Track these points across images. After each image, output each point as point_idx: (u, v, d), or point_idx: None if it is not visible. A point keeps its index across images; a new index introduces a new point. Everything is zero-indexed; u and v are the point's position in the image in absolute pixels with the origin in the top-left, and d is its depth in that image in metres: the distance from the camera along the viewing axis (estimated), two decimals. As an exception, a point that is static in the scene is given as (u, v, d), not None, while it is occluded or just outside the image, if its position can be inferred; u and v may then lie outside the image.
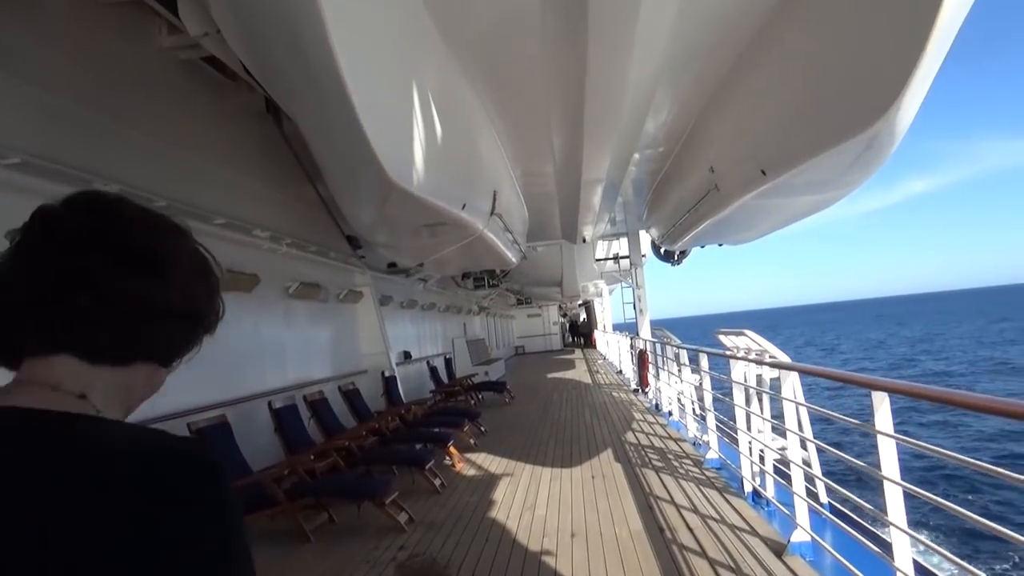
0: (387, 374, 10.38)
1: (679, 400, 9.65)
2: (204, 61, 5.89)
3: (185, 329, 0.82)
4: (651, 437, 8.94)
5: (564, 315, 45.24)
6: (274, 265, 8.28)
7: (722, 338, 6.30)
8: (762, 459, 5.84)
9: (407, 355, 14.56)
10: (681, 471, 6.88)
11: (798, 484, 4.47)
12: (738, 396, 5.89)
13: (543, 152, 7.10)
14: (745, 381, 5.79)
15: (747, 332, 5.35)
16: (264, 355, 7.92)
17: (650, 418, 10.61)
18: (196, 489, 0.67)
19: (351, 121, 3.38)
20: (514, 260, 9.89)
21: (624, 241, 15.29)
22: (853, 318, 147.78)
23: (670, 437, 8.81)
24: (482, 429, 10.29)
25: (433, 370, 14.48)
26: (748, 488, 5.71)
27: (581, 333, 42.24)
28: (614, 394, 14.37)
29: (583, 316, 43.87)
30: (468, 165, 5.18)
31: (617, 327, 29.64)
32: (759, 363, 5.22)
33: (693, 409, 8.45)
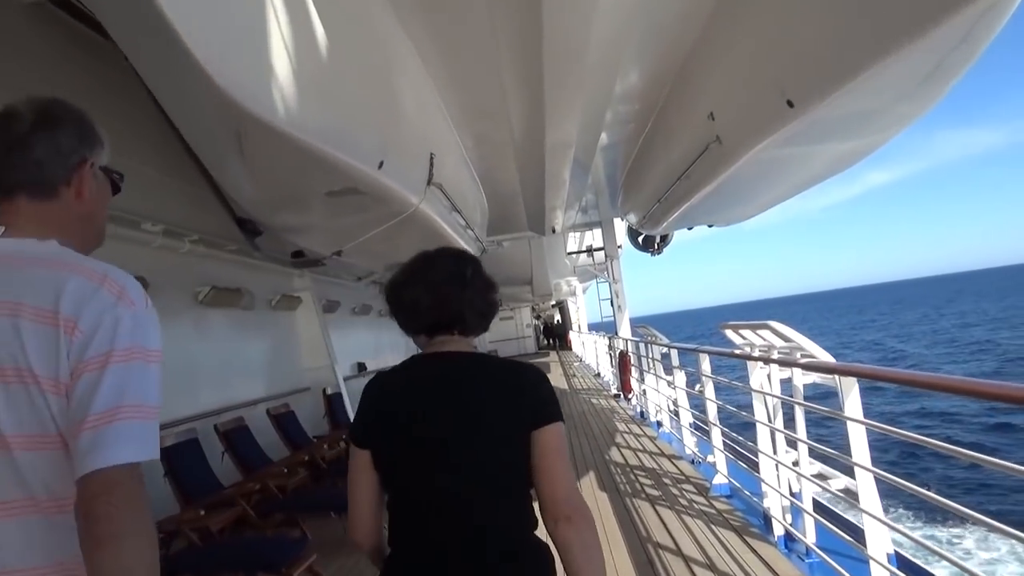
0: (330, 391, 8.87)
1: (670, 409, 8.28)
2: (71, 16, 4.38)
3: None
4: (640, 455, 7.55)
5: (538, 317, 43.90)
6: (176, 267, 6.76)
7: (730, 334, 4.92)
8: (793, 490, 4.48)
9: (361, 367, 13.04)
10: (683, 502, 5.50)
11: (874, 535, 3.11)
12: (759, 409, 4.53)
13: (495, 112, 5.69)
14: (769, 389, 4.42)
15: (773, 324, 3.99)
16: (164, 377, 6.36)
17: (636, 429, 9.23)
18: (536, 372, 1.52)
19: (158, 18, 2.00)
20: (470, 249, 8.44)
21: (598, 232, 13.95)
22: (824, 308, 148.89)
23: (662, 453, 7.44)
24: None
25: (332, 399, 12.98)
26: (778, 530, 4.33)
27: (556, 335, 40.88)
28: (593, 401, 12.99)
29: (557, 317, 42.55)
30: (386, 111, 3.76)
31: (593, 327, 28.34)
32: (794, 366, 3.85)
33: (691, 422, 7.08)
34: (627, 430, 9.27)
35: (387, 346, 16.02)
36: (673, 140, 5.96)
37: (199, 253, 6.85)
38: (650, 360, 9.06)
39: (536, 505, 1.44)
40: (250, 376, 8.26)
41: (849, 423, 3.36)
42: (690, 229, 9.75)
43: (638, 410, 10.59)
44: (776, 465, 4.39)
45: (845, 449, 3.56)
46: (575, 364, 24.27)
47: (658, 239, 11.69)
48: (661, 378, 8.46)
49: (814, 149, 4.46)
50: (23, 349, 1.02)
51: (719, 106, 4.60)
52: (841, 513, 4.24)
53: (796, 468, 4.11)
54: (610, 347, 13.84)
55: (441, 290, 1.53)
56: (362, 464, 1.48)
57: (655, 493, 5.87)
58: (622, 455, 7.64)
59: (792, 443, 4.36)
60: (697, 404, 7.26)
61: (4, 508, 1.02)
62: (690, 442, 6.94)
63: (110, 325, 1.06)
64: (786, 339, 4.04)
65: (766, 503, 4.70)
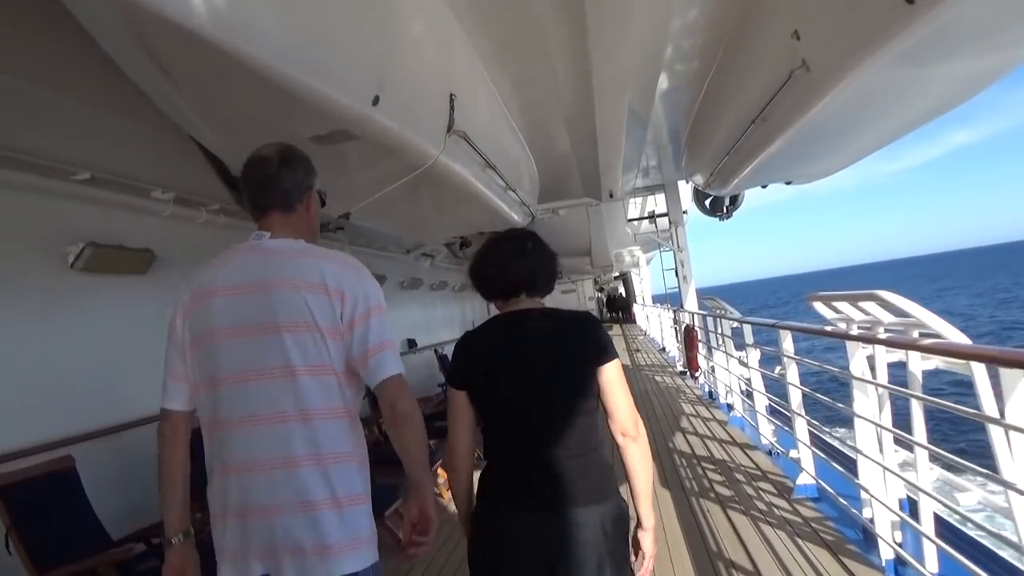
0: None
1: (742, 390, 7.36)
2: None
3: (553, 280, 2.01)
4: (708, 442, 6.69)
5: (601, 289, 42.84)
6: (190, 238, 6.21)
7: (820, 307, 4.02)
8: (910, 506, 3.60)
9: (412, 344, 12.52)
10: (760, 505, 4.65)
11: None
12: (861, 400, 3.63)
13: (532, 50, 4.87)
14: (872, 374, 3.52)
15: (882, 294, 3.08)
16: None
17: (703, 411, 8.34)
18: (593, 320, 1.91)
19: None
20: (516, 217, 7.66)
21: (660, 198, 12.90)
22: (900, 277, 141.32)
23: (734, 442, 6.55)
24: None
25: (443, 359, 12.39)
26: (885, 551, 3.45)
27: (619, 307, 39.78)
28: (657, 378, 12.11)
29: (621, 290, 41.37)
30: (380, 29, 2.97)
31: (657, 299, 27.22)
32: (915, 348, 2.94)
33: (768, 405, 6.16)
34: (693, 412, 8.39)
35: (440, 321, 15.48)
36: (746, 75, 4.97)
37: (219, 224, 6.28)
38: (719, 335, 8.12)
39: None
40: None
41: (998, 427, 2.46)
42: (764, 187, 8.67)
43: (706, 390, 9.67)
44: (884, 471, 3.49)
45: (981, 454, 2.67)
46: (639, 338, 23.29)
47: (727, 201, 10.61)
48: (732, 356, 7.53)
49: (933, 71, 3.46)
50: (309, 310, 1.61)
51: (806, 21, 3.62)
52: (978, 539, 3.33)
53: (907, 475, 3.21)
54: (675, 321, 12.89)
55: (507, 264, 1.95)
56: (461, 403, 1.88)
57: (726, 492, 5.02)
58: (688, 442, 6.80)
59: (904, 443, 3.45)
60: (775, 387, 6.33)
61: (285, 416, 1.59)
62: (767, 431, 6.03)
63: (362, 293, 1.67)
64: (900, 312, 3.13)
65: (867, 514, 3.82)
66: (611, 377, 1.87)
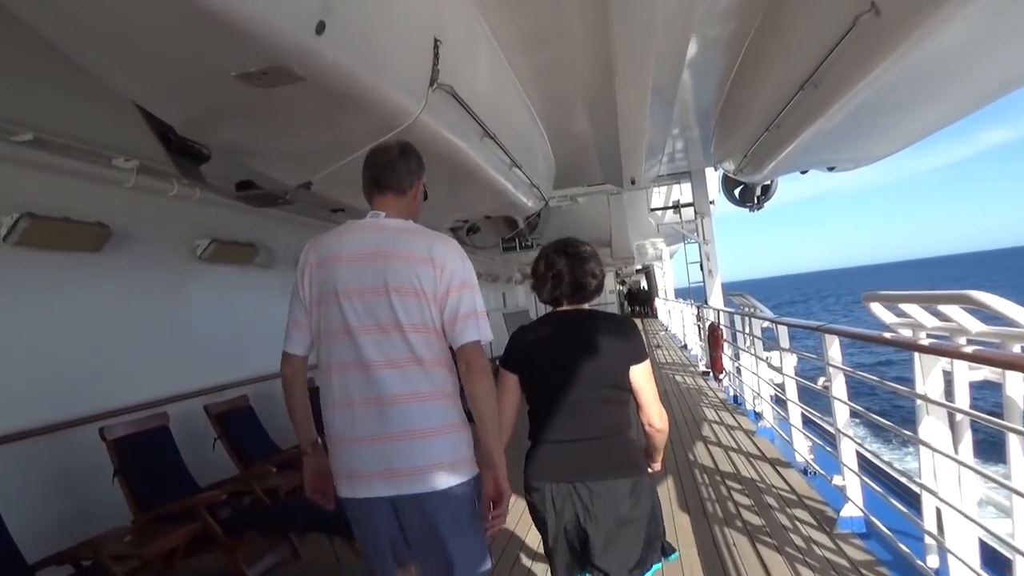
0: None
1: (773, 398, 6.62)
2: None
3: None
4: (733, 456, 5.97)
5: (623, 282, 42.00)
6: (164, 215, 5.62)
7: (877, 309, 3.29)
8: (987, 550, 2.87)
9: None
10: (798, 539, 3.93)
11: None
12: (933, 427, 2.91)
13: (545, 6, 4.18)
14: (952, 398, 2.79)
15: (977, 295, 2.36)
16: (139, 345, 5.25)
17: (728, 418, 7.61)
18: (630, 323, 2.28)
19: None
20: (526, 201, 6.96)
21: (686, 187, 12.09)
22: (928, 276, 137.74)
23: (763, 456, 5.83)
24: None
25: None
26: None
27: (641, 301, 38.91)
28: (678, 377, 11.38)
29: (643, 283, 40.46)
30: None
31: (680, 293, 26.39)
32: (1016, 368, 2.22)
33: (803, 419, 5.43)
34: (716, 419, 7.67)
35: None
36: (796, 30, 4.18)
37: (194, 199, 5.67)
38: (748, 336, 7.37)
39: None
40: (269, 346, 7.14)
41: None
42: (804, 173, 7.87)
43: (730, 393, 8.93)
44: (959, 515, 2.77)
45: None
46: (660, 334, 22.51)
47: (759, 191, 9.80)
48: (761, 359, 6.78)
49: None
50: (418, 278, 1.94)
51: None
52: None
53: (993, 523, 2.49)
54: (698, 317, 12.12)
55: (559, 273, 2.24)
56: (511, 383, 2.26)
57: (755, 520, 4.32)
58: (710, 455, 6.09)
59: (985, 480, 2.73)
60: (812, 397, 5.60)
61: (397, 363, 1.93)
62: (802, 447, 5.30)
63: (460, 267, 2.00)
64: (997, 319, 2.40)
65: (932, 562, 3.12)
66: (641, 377, 2.19)
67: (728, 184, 10.23)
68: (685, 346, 16.55)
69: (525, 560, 4.01)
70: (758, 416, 7.10)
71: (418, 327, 1.95)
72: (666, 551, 2.23)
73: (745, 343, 7.54)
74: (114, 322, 4.90)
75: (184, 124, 3.05)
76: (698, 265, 11.53)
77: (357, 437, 1.96)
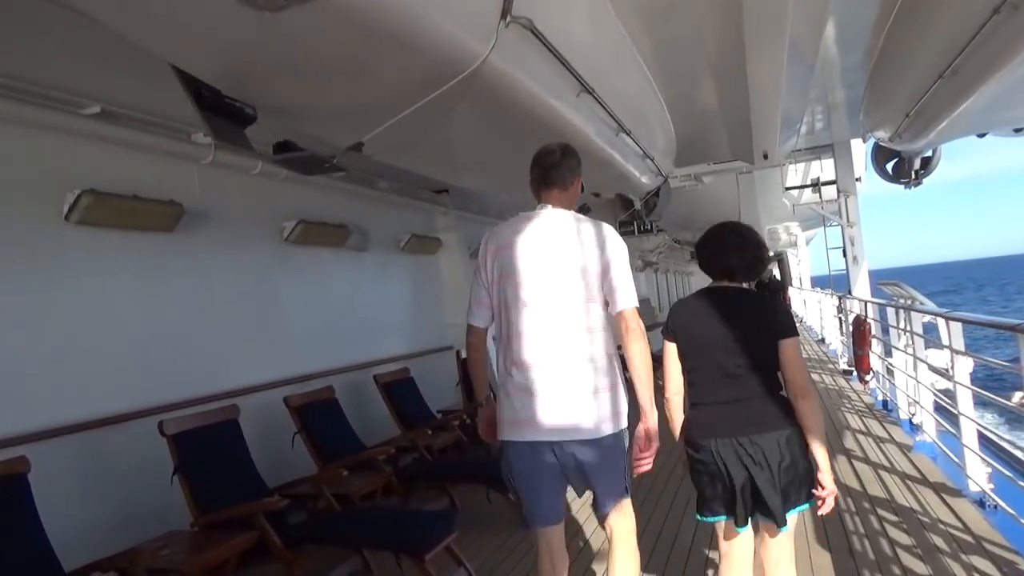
0: (464, 357, 7.22)
1: (934, 409, 5.51)
2: None
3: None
4: (885, 476, 4.97)
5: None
6: (251, 193, 5.38)
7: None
8: None
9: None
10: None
11: None
12: None
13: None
14: None
15: None
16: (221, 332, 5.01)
17: (876, 427, 6.51)
18: (781, 303, 2.75)
19: None
20: (640, 178, 6.19)
21: (828, 164, 10.72)
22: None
23: (924, 480, 4.80)
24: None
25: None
26: None
27: (772, 290, 36.50)
28: (815, 375, 10.16)
29: (775, 271, 37.90)
30: None
31: (818, 282, 24.34)
32: None
33: (980, 438, 4.38)
34: (862, 427, 6.59)
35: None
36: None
37: (279, 177, 5.37)
38: (904, 332, 6.24)
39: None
40: (371, 332, 6.83)
41: None
42: (981, 137, 6.55)
43: (879, 397, 7.72)
44: None
45: None
46: (793, 326, 20.75)
47: (917, 164, 8.42)
48: (922, 360, 5.67)
49: None
50: (584, 258, 2.37)
51: None
52: None
53: None
54: (840, 309, 10.78)
55: (720, 251, 2.52)
56: (673, 351, 2.51)
57: (919, 569, 3.41)
58: (854, 472, 5.12)
59: None
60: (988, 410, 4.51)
61: (568, 330, 2.34)
62: (978, 473, 4.26)
63: (616, 245, 2.42)
64: None
65: None
66: (788, 350, 2.38)
67: (879, 157, 8.91)
68: (823, 340, 15.05)
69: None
70: (915, 428, 5.98)
71: (585, 298, 2.36)
72: (811, 495, 2.41)
73: (900, 340, 6.40)
74: (187, 307, 4.63)
75: (214, 77, 2.60)
76: (840, 251, 10.22)
77: (531, 390, 2.34)
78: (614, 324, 2.42)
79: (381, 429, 5.98)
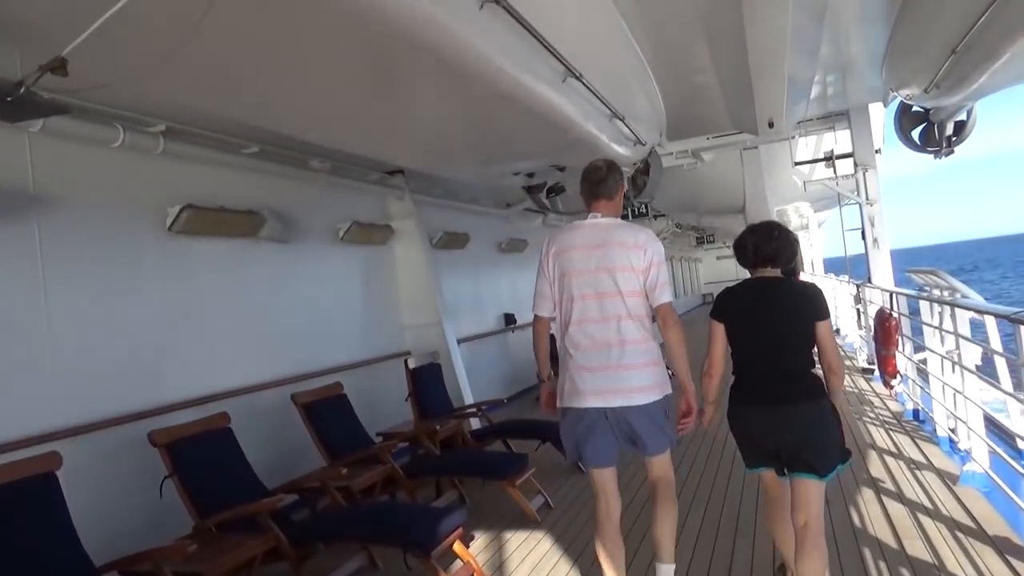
0: (413, 364, 6.07)
1: (987, 431, 4.35)
2: None
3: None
4: (927, 523, 3.83)
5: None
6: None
7: None
8: None
9: (508, 320, 10.25)
10: None
11: None
12: None
13: None
14: None
15: None
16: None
17: (909, 447, 5.35)
18: (816, 289, 2.93)
19: None
20: (613, 145, 5.05)
21: (843, 135, 9.46)
22: None
23: (979, 531, 3.66)
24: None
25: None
26: None
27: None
28: (829, 375, 8.98)
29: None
30: None
31: (832, 266, 23.07)
32: None
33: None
34: (891, 447, 5.44)
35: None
36: None
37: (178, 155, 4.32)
38: (942, 331, 5.07)
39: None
40: (295, 340, 5.74)
41: None
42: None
43: (908, 408, 6.53)
44: None
45: None
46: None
47: (950, 129, 7.19)
48: (969, 370, 4.49)
49: None
50: (629, 259, 2.85)
51: None
52: None
53: None
54: (858, 299, 9.58)
55: (759, 244, 2.89)
56: (719, 331, 2.91)
57: None
58: (886, 517, 3.98)
59: None
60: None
61: (618, 318, 2.85)
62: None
63: (656, 248, 2.91)
64: None
65: None
66: (823, 331, 2.78)
67: (905, 123, 7.69)
68: (837, 331, 13.84)
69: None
70: (959, 453, 4.81)
71: (632, 292, 2.88)
72: (844, 457, 2.82)
73: (936, 340, 5.23)
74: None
75: None
76: (859, 233, 9.00)
77: (588, 367, 2.88)
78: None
79: (300, 463, 4.90)
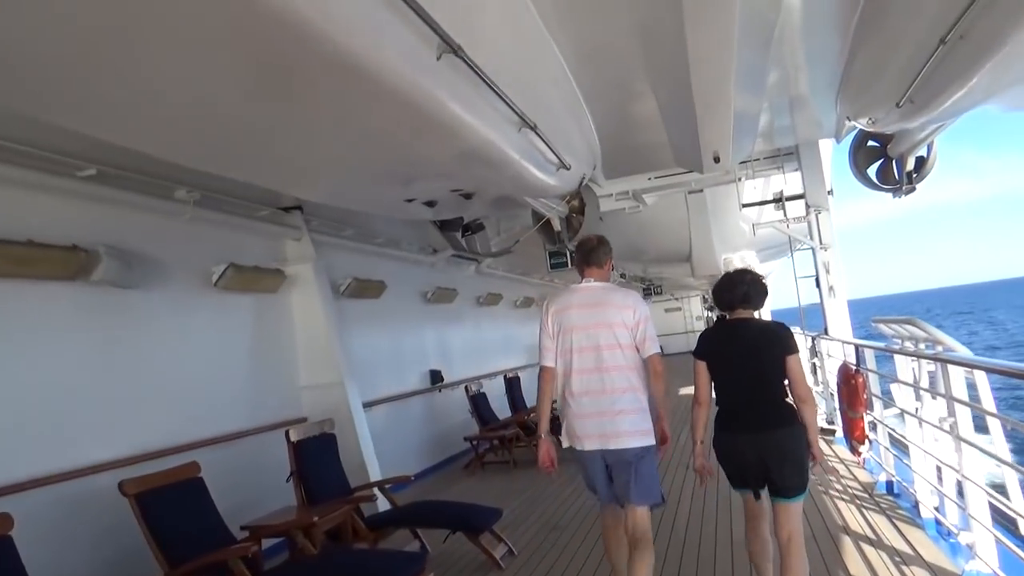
0: (295, 438, 4.97)
1: (993, 519, 3.48)
2: None
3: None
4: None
5: (711, 308, 38.13)
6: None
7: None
8: None
9: (435, 377, 9.19)
10: None
11: None
12: None
13: None
14: None
15: None
16: None
17: (890, 534, 4.45)
18: (784, 327, 3.35)
19: None
20: (537, 173, 4.24)
21: (792, 175, 8.86)
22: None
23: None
24: (509, 550, 4.80)
25: (476, 400, 8.95)
26: None
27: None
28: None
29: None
30: None
31: (782, 316, 22.70)
32: None
33: None
34: (866, 532, 4.53)
35: (493, 345, 12.13)
36: None
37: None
38: (931, 392, 4.24)
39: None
40: (138, 410, 4.61)
41: None
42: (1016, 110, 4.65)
43: (880, 480, 5.65)
44: None
45: None
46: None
47: (912, 163, 6.58)
48: (966, 442, 3.63)
49: None
50: (623, 317, 3.33)
51: None
52: None
53: None
54: (814, 353, 8.84)
55: (734, 288, 3.32)
56: (701, 368, 3.34)
57: None
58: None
59: None
60: None
61: (619, 368, 3.29)
62: None
63: (643, 308, 3.41)
64: None
65: None
66: (792, 365, 3.15)
67: (860, 159, 7.07)
68: (791, 385, 13.13)
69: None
70: (943, 534, 3.92)
71: (624, 346, 3.29)
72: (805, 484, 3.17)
73: (917, 402, 4.40)
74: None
75: None
76: (813, 280, 8.30)
77: (585, 414, 3.31)
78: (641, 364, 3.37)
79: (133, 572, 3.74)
